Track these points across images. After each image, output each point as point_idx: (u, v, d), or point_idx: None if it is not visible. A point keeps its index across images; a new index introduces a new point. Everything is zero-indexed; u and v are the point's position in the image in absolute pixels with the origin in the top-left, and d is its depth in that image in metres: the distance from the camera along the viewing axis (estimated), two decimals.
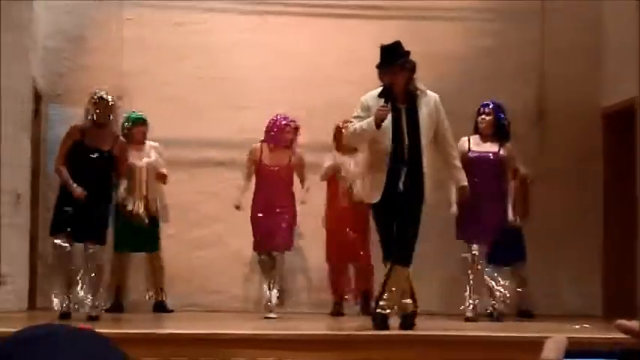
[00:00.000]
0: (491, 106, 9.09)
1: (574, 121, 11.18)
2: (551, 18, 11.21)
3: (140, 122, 9.74)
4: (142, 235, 9.57)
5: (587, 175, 11.10)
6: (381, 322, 7.03)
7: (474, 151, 8.87)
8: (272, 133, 9.30)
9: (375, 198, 7.06)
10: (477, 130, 9.04)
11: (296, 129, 9.38)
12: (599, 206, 11.08)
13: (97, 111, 8.31)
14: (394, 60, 7.12)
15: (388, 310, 7.12)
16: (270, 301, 9.02)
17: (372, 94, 7.19)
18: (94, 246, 8.21)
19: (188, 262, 10.37)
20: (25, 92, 9.78)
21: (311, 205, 9.52)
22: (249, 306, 10.02)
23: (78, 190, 8.05)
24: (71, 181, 8.11)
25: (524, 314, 9.77)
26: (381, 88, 7.20)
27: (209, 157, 10.73)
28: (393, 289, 7.10)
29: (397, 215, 7.04)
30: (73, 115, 9.70)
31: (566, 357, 1.33)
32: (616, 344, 1.29)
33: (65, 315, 8.06)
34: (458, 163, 7.35)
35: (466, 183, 7.33)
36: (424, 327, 7.22)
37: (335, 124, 9.73)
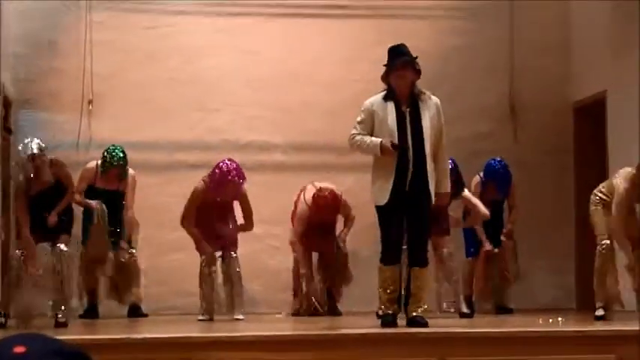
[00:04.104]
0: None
1: (545, 115, 11.26)
2: (520, 15, 11.28)
3: (114, 166, 9.58)
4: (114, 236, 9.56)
5: (558, 168, 11.19)
6: (420, 323, 7.00)
7: None
8: (216, 186, 8.99)
9: (383, 201, 7.05)
10: None
11: (240, 183, 9.05)
12: (571, 199, 11.16)
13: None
14: (404, 57, 7.10)
15: (415, 313, 7.11)
16: (235, 303, 9.03)
17: (376, 98, 7.14)
18: (61, 247, 8.21)
19: (163, 265, 10.34)
20: None
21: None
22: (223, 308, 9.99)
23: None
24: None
25: (503, 309, 9.80)
26: (384, 92, 7.17)
27: (181, 159, 10.71)
28: (416, 291, 7.15)
29: (407, 218, 7.05)
30: (44, 120, 9.67)
31: None
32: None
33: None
34: (446, 167, 7.31)
35: (445, 190, 7.29)
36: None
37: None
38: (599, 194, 8.38)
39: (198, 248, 9.09)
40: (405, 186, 6.98)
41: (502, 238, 9.86)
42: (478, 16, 11.28)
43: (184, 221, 9.12)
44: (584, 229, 10.56)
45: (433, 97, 7.19)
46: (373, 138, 7.02)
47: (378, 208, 7.11)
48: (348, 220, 9.76)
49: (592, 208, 8.39)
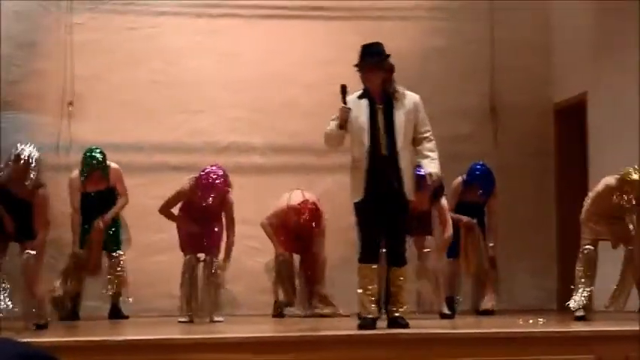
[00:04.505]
0: None
1: (526, 117, 11.31)
2: (501, 16, 11.32)
3: (95, 168, 9.54)
4: (104, 234, 9.57)
5: (539, 169, 11.24)
6: (400, 324, 7.03)
7: None
8: (202, 191, 8.99)
9: (357, 197, 7.07)
10: None
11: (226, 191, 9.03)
12: (552, 200, 11.21)
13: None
14: (370, 59, 7.12)
15: (397, 314, 7.12)
16: (216, 305, 9.05)
17: (352, 97, 7.16)
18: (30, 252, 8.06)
19: (146, 266, 10.32)
20: None
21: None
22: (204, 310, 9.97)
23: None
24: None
25: (484, 310, 9.82)
26: (362, 90, 7.18)
27: (163, 161, 10.71)
28: (393, 290, 7.15)
29: (382, 217, 7.04)
30: (25, 122, 9.64)
31: None
32: None
33: None
34: (433, 155, 7.22)
35: (433, 170, 7.22)
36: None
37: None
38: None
39: (181, 244, 9.13)
40: (379, 183, 6.99)
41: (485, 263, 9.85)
42: (459, 17, 11.32)
43: (163, 209, 9.17)
44: (565, 230, 10.63)
45: (410, 95, 7.18)
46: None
47: (355, 206, 7.12)
48: (321, 230, 9.76)
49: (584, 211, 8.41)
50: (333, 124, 7.11)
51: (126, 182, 9.80)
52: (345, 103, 7.02)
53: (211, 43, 11.03)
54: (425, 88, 9.98)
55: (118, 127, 10.62)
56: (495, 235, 9.94)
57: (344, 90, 7.08)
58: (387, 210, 7.02)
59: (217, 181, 8.82)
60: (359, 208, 7.10)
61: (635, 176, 7.88)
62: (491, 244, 9.88)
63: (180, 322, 8.79)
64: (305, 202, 9.56)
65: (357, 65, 7.15)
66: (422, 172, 7.42)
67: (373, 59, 7.11)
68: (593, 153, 10.45)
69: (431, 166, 7.18)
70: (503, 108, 11.33)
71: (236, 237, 9.11)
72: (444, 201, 9.11)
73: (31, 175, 7.90)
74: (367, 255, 7.11)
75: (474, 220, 9.79)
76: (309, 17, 11.08)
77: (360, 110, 7.08)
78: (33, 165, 7.91)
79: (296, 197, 9.63)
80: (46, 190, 8.10)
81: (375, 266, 7.15)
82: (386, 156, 7.00)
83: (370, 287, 7.10)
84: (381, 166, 7.00)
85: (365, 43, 7.25)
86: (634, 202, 7.91)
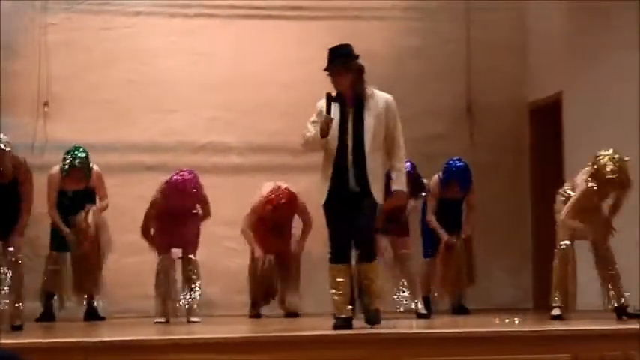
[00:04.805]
0: None
1: (502, 117, 11.36)
2: (477, 16, 11.36)
3: (76, 167, 9.46)
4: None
5: (514, 169, 11.29)
6: (373, 319, 7.04)
7: None
8: (172, 198, 9.07)
9: (323, 198, 7.07)
10: None
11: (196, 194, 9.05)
12: (527, 199, 11.26)
13: None
14: (337, 61, 7.10)
15: (371, 308, 7.11)
16: (192, 305, 9.04)
17: (324, 99, 7.15)
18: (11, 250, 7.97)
19: (122, 267, 10.27)
20: None
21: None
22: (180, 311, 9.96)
23: None
24: None
25: (460, 309, 9.86)
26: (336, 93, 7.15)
27: (139, 161, 10.69)
28: (362, 287, 7.15)
29: (348, 216, 7.03)
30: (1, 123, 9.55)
31: None
32: None
33: None
34: (401, 166, 7.26)
35: (400, 188, 7.26)
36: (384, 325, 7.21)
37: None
38: (563, 192, 8.47)
39: (152, 244, 9.15)
40: (345, 184, 6.99)
41: (461, 234, 9.88)
42: (434, 17, 11.35)
43: (143, 230, 9.23)
44: (540, 229, 10.68)
45: (382, 95, 7.15)
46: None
47: (323, 207, 7.12)
48: (306, 227, 9.75)
49: (557, 206, 8.46)
50: (312, 129, 7.07)
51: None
52: (329, 112, 7.00)
53: (187, 43, 11.01)
54: (401, 88, 10.01)
55: (94, 127, 10.58)
56: (473, 228, 9.95)
57: (329, 99, 7.03)
58: (352, 210, 7.01)
59: (187, 188, 8.88)
60: (325, 209, 7.11)
61: (607, 162, 7.91)
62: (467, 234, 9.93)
63: (156, 322, 8.77)
64: (277, 188, 9.53)
65: (326, 69, 7.14)
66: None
67: (340, 61, 7.10)
68: (568, 152, 10.50)
69: (396, 183, 7.19)
70: (479, 108, 11.37)
71: (214, 238, 9.12)
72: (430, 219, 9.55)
73: (7, 159, 7.79)
74: (337, 255, 7.10)
75: (454, 240, 9.81)
76: (285, 17, 11.08)
77: (335, 114, 7.06)
78: (6, 149, 7.78)
79: (268, 187, 9.61)
80: (28, 166, 7.97)
81: (345, 266, 7.12)
82: (353, 158, 7.00)
83: (342, 287, 7.08)
84: (346, 168, 7.00)
85: (335, 45, 7.22)
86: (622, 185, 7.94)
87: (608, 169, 7.87)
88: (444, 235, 9.76)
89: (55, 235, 9.57)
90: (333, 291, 7.11)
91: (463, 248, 9.86)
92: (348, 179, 7.01)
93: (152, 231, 9.23)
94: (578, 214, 8.14)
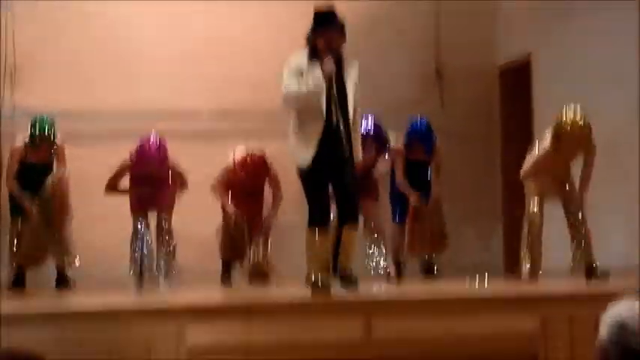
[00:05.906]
0: None
1: (472, 80, 11.37)
2: None
3: (43, 138, 9.22)
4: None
5: (485, 133, 11.31)
6: (351, 280, 7.02)
7: None
8: (141, 163, 9.12)
9: (304, 163, 7.02)
10: None
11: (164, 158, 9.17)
12: (497, 162, 11.31)
13: None
14: (334, 24, 7.06)
15: (348, 271, 7.08)
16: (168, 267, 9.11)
17: (301, 57, 7.02)
18: None
19: (92, 234, 10.25)
20: None
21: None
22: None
23: None
24: None
25: (430, 273, 9.88)
26: (306, 50, 7.03)
27: (108, 128, 10.64)
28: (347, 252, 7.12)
29: (333, 181, 7.03)
30: None
31: None
32: None
33: None
34: (357, 135, 7.26)
35: (357, 158, 7.21)
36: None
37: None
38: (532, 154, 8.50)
39: (131, 206, 9.30)
40: (336, 147, 6.96)
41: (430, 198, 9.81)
42: None
43: (107, 187, 9.35)
44: (511, 193, 10.73)
45: (352, 61, 7.18)
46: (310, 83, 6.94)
47: (302, 172, 7.06)
48: (276, 199, 9.61)
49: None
50: (304, 87, 6.90)
51: (69, 150, 9.66)
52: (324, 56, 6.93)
53: (157, 10, 10.93)
54: (370, 54, 10.02)
55: (62, 94, 10.51)
56: (439, 192, 9.91)
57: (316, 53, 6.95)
58: (337, 174, 7.01)
59: (152, 152, 9.03)
60: (308, 172, 7.04)
61: (569, 115, 7.95)
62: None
63: (131, 275, 8.78)
64: (249, 154, 9.49)
65: (315, 30, 7.04)
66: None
67: (338, 27, 7.08)
68: (538, 114, 10.54)
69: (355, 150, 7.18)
70: (449, 73, 11.37)
71: (185, 204, 9.12)
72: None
73: None
74: (317, 219, 7.03)
75: (423, 202, 9.73)
76: None
77: (313, 74, 6.95)
78: None
79: (240, 152, 9.57)
80: None
81: (326, 229, 7.07)
82: (337, 121, 6.98)
83: (321, 251, 7.02)
84: (337, 131, 6.96)
85: (319, 8, 7.15)
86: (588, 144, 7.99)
87: (568, 120, 7.89)
88: (413, 196, 9.70)
89: (14, 205, 9.42)
90: (311, 254, 7.05)
91: (433, 211, 9.78)
92: (339, 141, 6.97)
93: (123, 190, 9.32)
94: (547, 177, 8.18)
